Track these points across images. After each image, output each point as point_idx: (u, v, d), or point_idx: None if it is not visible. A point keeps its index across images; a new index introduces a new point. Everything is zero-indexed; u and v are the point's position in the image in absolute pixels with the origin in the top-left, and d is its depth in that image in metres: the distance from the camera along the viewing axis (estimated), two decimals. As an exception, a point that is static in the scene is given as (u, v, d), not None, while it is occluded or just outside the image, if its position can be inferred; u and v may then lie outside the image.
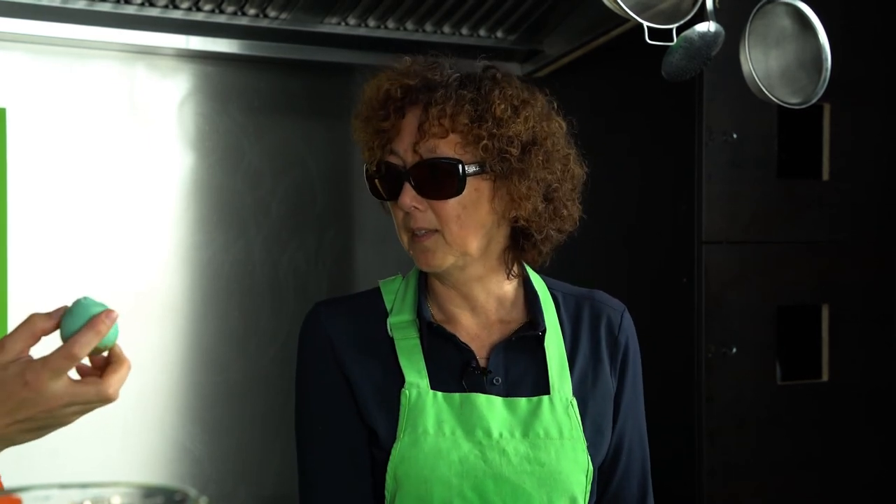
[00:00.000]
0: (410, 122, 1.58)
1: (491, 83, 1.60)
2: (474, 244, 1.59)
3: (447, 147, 1.56)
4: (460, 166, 1.55)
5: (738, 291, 2.61)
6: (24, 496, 1.07)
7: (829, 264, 2.75)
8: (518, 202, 1.58)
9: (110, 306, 1.21)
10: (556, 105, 1.66)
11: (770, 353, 2.66)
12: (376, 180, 1.62)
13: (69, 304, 1.21)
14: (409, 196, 1.57)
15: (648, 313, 2.62)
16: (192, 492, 1.07)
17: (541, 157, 1.59)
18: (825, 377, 2.75)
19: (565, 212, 1.63)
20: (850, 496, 2.78)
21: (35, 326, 1.19)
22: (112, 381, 1.18)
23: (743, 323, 2.61)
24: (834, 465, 2.75)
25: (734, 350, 2.58)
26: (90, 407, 1.20)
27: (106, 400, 1.19)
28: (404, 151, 1.58)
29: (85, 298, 1.20)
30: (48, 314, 1.20)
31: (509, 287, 1.68)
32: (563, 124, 1.65)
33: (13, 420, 1.16)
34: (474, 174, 1.56)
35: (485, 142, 1.55)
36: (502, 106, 1.57)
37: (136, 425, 2.58)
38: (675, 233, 2.63)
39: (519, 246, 1.64)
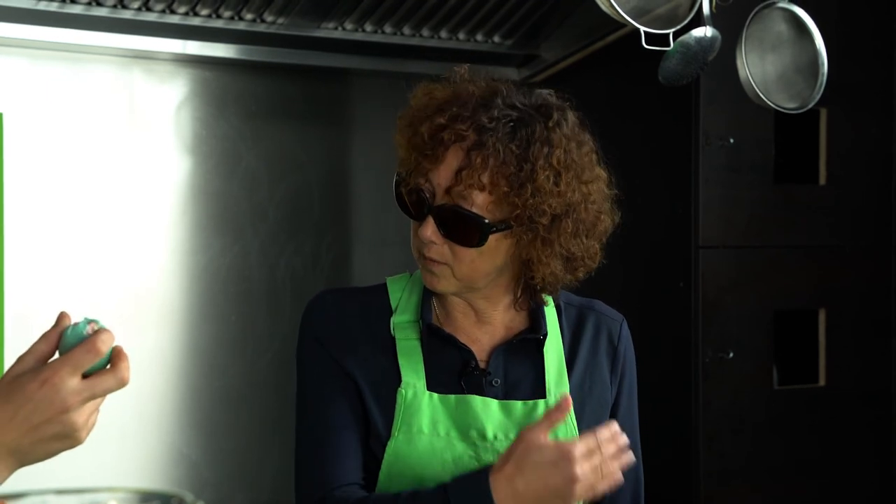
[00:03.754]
0: (452, 159, 1.54)
1: (542, 139, 1.54)
2: (481, 283, 1.60)
3: (479, 200, 1.53)
4: (486, 225, 1.54)
5: (735, 296, 2.61)
6: (20, 502, 1.07)
7: (826, 269, 2.75)
8: (536, 266, 1.58)
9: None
10: (599, 153, 1.62)
11: (767, 358, 2.66)
12: (404, 194, 1.61)
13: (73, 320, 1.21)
14: (430, 230, 1.56)
15: (645, 318, 2.62)
16: (189, 496, 1.07)
17: (570, 229, 1.56)
18: (822, 382, 2.76)
19: (582, 270, 1.63)
20: (847, 500, 2.78)
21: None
22: (124, 366, 1.19)
23: (740, 327, 2.61)
24: (830, 470, 2.75)
25: (731, 355, 2.58)
26: (100, 402, 1.19)
27: (123, 384, 1.19)
28: (437, 185, 1.55)
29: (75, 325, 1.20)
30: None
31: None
32: (605, 175, 1.62)
33: (29, 426, 1.15)
34: (497, 232, 1.55)
35: (518, 212, 1.53)
36: (546, 173, 1.53)
37: (133, 429, 2.58)
38: (672, 237, 2.63)
39: (529, 285, 1.64)
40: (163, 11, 2.38)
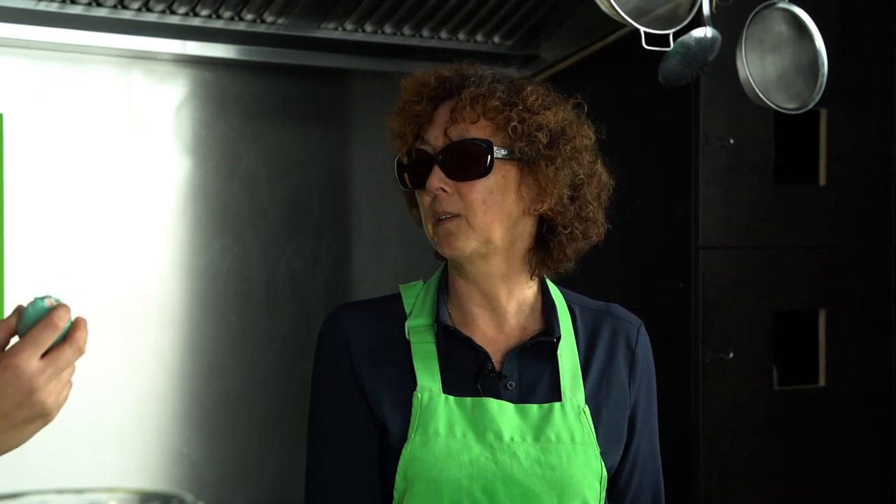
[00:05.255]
0: (443, 112, 1.61)
1: (523, 81, 1.65)
2: (498, 232, 1.60)
3: (477, 131, 1.59)
4: (489, 147, 1.58)
5: (735, 296, 2.61)
6: (19, 502, 1.07)
7: (826, 269, 2.75)
8: (545, 190, 1.59)
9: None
10: (585, 110, 1.68)
11: (767, 358, 2.66)
12: (405, 173, 1.64)
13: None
14: (437, 178, 1.59)
15: (645, 318, 2.62)
16: (189, 497, 1.07)
17: (569, 149, 1.61)
18: (822, 382, 2.76)
19: (591, 213, 1.65)
20: (847, 501, 2.78)
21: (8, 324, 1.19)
22: (80, 334, 1.19)
23: (740, 328, 2.61)
24: (830, 470, 2.75)
25: (731, 355, 2.58)
26: (67, 375, 1.19)
27: (81, 352, 1.19)
28: (435, 138, 1.60)
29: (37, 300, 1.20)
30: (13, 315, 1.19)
31: (529, 292, 1.69)
32: (593, 134, 1.67)
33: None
34: (503, 158, 1.59)
35: (514, 124, 1.58)
36: (534, 97, 1.61)
37: (133, 430, 2.58)
38: (672, 238, 2.63)
39: (544, 246, 1.65)
40: (163, 12, 2.38)
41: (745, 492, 2.63)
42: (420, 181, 1.61)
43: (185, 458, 2.65)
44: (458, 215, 1.59)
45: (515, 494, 1.57)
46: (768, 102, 2.21)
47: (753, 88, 2.20)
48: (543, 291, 1.70)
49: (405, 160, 1.64)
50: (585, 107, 1.68)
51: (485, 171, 1.58)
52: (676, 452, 2.58)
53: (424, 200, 1.62)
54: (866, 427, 2.80)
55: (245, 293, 2.71)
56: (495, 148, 1.58)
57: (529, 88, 1.61)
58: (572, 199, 1.62)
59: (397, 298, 1.71)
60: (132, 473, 2.57)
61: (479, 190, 1.58)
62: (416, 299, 1.69)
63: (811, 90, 2.27)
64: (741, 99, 2.25)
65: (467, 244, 1.59)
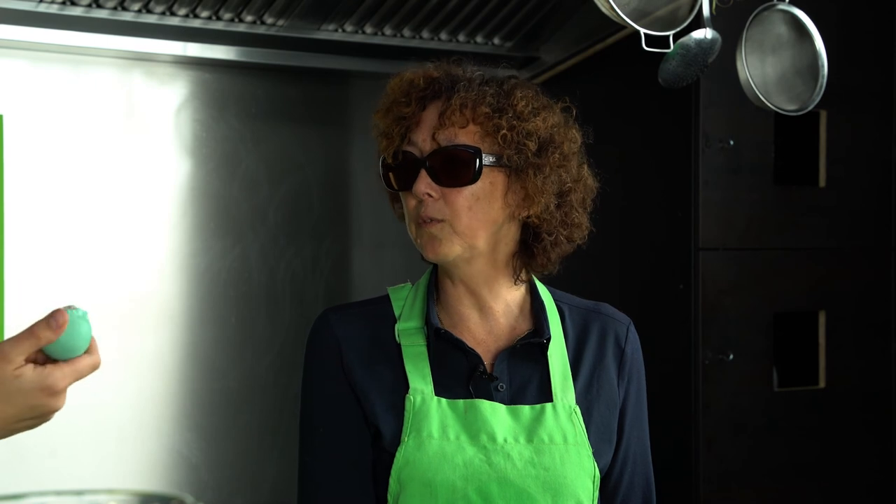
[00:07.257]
0: (431, 113, 1.60)
1: (513, 84, 1.63)
2: (482, 238, 1.60)
3: (466, 136, 1.58)
4: (477, 154, 1.57)
5: (735, 298, 2.61)
6: (20, 503, 1.07)
7: (826, 271, 2.75)
8: (532, 198, 1.59)
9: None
10: (574, 114, 1.67)
11: (767, 360, 2.66)
12: (391, 173, 1.63)
13: (62, 308, 1.21)
14: (424, 183, 1.58)
15: (645, 320, 2.62)
16: (189, 498, 1.07)
17: (557, 156, 1.60)
18: (822, 384, 2.76)
19: (576, 219, 1.64)
20: (847, 502, 2.78)
21: (39, 335, 1.19)
22: (96, 352, 1.23)
23: (740, 329, 2.61)
24: (830, 472, 2.75)
25: (731, 357, 2.58)
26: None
27: (96, 367, 1.22)
28: (422, 141, 1.59)
29: (74, 311, 1.20)
30: (48, 324, 1.19)
31: (517, 293, 1.69)
32: (579, 137, 1.66)
33: (18, 420, 1.17)
34: (491, 165, 1.58)
35: (504, 132, 1.57)
36: (523, 102, 1.59)
37: (133, 432, 2.58)
38: (672, 239, 2.63)
39: (528, 250, 1.64)
40: (163, 13, 2.38)
41: (745, 493, 2.63)
42: (406, 183, 1.61)
43: (185, 459, 2.65)
44: (443, 220, 1.58)
45: (510, 496, 1.57)
46: (768, 104, 2.21)
47: (753, 90, 2.20)
48: (532, 291, 1.70)
49: (391, 161, 1.63)
50: (574, 111, 1.67)
51: (473, 178, 1.57)
52: (676, 454, 2.58)
53: (409, 203, 1.62)
54: (866, 428, 2.81)
55: (245, 295, 2.72)
56: (484, 155, 1.57)
57: (519, 93, 1.60)
58: (558, 205, 1.62)
59: (386, 300, 1.70)
60: (132, 475, 2.57)
61: (466, 196, 1.58)
62: (405, 301, 1.69)
63: (811, 92, 2.27)
64: (741, 100, 2.25)
65: (451, 249, 1.59)
